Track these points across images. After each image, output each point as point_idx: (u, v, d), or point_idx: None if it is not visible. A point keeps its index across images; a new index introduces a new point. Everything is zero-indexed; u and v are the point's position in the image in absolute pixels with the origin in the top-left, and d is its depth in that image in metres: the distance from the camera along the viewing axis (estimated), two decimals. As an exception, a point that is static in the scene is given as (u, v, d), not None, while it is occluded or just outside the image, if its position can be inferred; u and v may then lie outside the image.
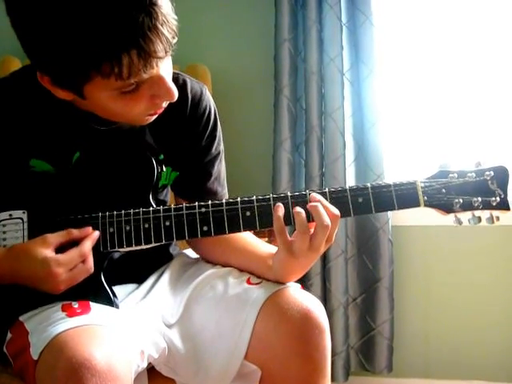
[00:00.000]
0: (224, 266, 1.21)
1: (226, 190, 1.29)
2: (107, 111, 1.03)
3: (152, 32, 0.90)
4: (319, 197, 1.04)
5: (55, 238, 1.03)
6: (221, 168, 1.27)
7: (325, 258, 2.00)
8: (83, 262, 1.03)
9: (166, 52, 0.94)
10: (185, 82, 1.18)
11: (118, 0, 0.87)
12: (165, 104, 1.04)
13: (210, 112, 1.21)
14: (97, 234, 1.06)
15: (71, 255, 1.02)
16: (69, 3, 0.88)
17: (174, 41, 0.94)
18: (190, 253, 1.34)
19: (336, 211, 1.03)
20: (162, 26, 0.90)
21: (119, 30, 0.88)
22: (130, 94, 0.97)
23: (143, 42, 0.89)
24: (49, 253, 1.01)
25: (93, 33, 0.88)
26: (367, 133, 1.96)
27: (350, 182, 1.99)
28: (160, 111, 1.05)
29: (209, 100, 1.21)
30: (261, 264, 1.13)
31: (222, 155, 1.27)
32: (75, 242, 1.04)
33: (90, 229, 1.06)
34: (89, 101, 1.00)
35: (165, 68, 0.98)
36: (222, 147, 1.26)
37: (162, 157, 1.17)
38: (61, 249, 1.03)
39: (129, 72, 0.91)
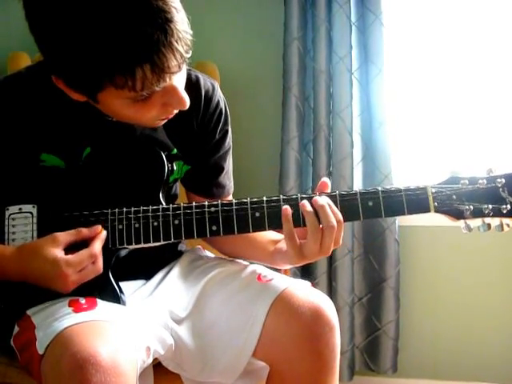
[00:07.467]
0: (231, 256, 1.25)
1: (232, 183, 1.31)
2: (119, 115, 1.04)
3: (166, 48, 0.90)
4: (326, 200, 1.04)
5: (65, 236, 1.03)
6: (230, 162, 1.29)
7: (331, 257, 2.00)
8: (93, 262, 1.03)
9: (179, 67, 0.95)
10: (198, 79, 1.20)
11: (133, 16, 0.88)
12: (176, 110, 1.05)
13: (221, 107, 1.22)
14: (104, 233, 1.07)
15: (81, 256, 1.02)
16: (86, 15, 0.88)
17: (188, 55, 0.95)
18: (199, 250, 1.34)
19: (340, 216, 1.04)
20: (176, 42, 0.91)
21: (134, 46, 0.88)
22: (143, 101, 0.97)
23: (157, 58, 0.90)
24: (59, 253, 1.01)
25: (108, 46, 0.88)
26: (375, 132, 1.96)
27: (358, 181, 1.99)
28: (171, 116, 1.06)
29: (220, 95, 1.23)
30: (263, 252, 1.17)
31: (231, 149, 1.29)
32: (84, 240, 1.05)
33: (100, 227, 1.07)
34: (101, 105, 1.01)
35: (178, 78, 0.99)
36: (231, 141, 1.28)
37: (175, 151, 1.18)
38: (70, 246, 1.04)
39: (142, 85, 0.92)
